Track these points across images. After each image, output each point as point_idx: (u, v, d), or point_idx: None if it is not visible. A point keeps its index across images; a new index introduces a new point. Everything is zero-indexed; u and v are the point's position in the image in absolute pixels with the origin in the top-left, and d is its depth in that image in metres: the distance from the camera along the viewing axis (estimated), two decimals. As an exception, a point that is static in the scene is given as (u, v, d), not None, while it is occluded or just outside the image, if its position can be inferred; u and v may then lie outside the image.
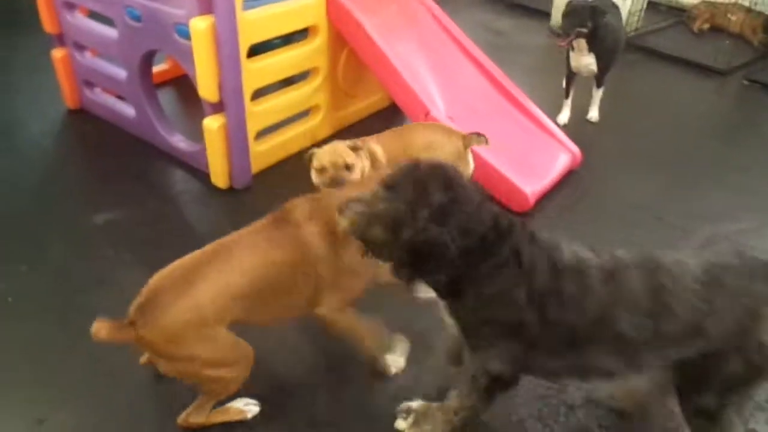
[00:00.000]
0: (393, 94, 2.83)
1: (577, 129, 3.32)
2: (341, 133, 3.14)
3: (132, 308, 1.47)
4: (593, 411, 1.79)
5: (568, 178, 2.90)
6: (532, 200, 2.60)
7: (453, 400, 1.59)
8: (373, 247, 1.35)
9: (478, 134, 2.30)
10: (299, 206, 1.65)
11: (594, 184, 2.91)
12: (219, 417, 1.68)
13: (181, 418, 1.64)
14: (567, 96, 3.41)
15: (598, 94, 3.44)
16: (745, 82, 4.11)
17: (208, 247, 1.57)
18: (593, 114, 3.47)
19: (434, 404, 1.65)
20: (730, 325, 1.32)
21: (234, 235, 1.61)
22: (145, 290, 1.49)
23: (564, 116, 3.41)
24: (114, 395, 1.77)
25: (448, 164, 1.35)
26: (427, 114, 2.63)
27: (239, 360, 1.57)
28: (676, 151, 3.23)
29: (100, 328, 1.42)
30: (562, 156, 2.91)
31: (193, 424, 1.64)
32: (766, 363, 1.36)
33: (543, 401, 1.80)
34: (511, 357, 1.44)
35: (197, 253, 1.56)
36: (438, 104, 2.75)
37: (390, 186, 1.32)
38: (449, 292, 1.39)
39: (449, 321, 1.49)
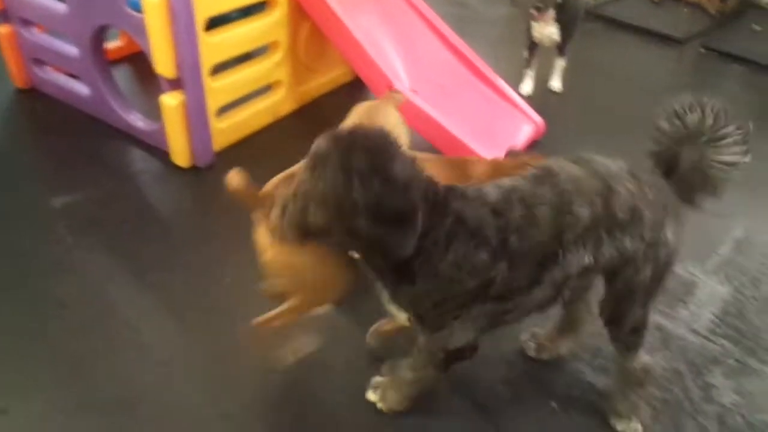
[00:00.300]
0: (356, 68, 2.80)
1: (540, 99, 3.34)
2: (305, 108, 3.10)
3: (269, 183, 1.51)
4: (558, 375, 1.85)
5: (531, 148, 2.92)
6: (496, 171, 2.61)
7: (405, 372, 1.60)
8: (320, 235, 1.24)
9: (394, 91, 2.29)
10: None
11: (557, 153, 2.91)
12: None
13: (260, 320, 1.64)
14: (529, 66, 3.43)
15: (560, 64, 3.46)
16: (702, 50, 4.20)
17: None
18: (556, 83, 3.50)
19: (395, 377, 1.66)
20: (658, 213, 1.40)
21: None
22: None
23: (527, 86, 3.43)
24: (80, 382, 1.74)
25: (371, 129, 1.25)
26: (390, 87, 2.61)
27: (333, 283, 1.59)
28: (638, 120, 3.23)
29: (236, 177, 1.47)
30: (525, 126, 2.94)
31: (270, 326, 1.64)
32: (666, 262, 1.45)
33: (509, 366, 1.85)
34: (482, 321, 1.42)
35: None
36: (401, 77, 2.72)
37: (314, 163, 1.19)
38: (403, 274, 1.30)
39: (397, 311, 1.46)
